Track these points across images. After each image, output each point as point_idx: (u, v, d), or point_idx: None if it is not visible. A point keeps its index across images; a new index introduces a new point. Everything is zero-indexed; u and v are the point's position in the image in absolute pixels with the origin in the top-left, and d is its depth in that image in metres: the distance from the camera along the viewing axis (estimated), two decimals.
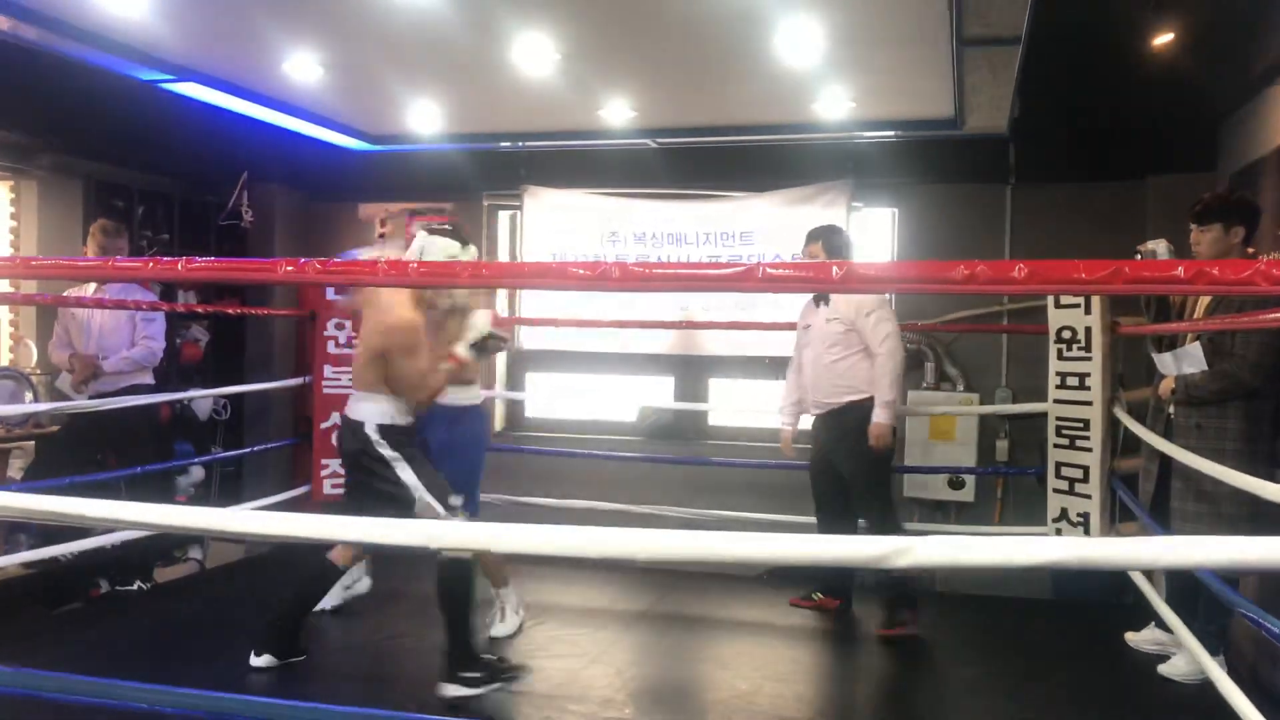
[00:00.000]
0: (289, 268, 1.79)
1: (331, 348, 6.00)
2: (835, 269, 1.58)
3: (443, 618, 3.88)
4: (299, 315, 6.38)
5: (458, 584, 3.87)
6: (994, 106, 4.97)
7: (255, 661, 3.98)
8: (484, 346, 3.91)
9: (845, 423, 4.74)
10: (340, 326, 6.02)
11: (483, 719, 3.70)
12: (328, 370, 5.99)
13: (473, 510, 4.32)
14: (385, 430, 3.83)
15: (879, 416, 4.63)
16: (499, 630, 4.64)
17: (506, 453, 6.54)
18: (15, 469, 5.31)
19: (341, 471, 5.92)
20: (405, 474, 3.81)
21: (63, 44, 4.44)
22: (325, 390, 5.98)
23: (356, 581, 4.98)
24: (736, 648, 4.66)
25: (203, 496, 6.41)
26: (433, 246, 3.73)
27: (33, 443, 5.34)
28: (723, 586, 5.55)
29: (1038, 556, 1.71)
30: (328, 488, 5.99)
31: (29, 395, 5.28)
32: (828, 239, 4.86)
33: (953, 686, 4.17)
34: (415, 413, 3.97)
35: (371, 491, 3.88)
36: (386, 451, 3.81)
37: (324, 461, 5.98)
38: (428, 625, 4.75)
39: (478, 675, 3.79)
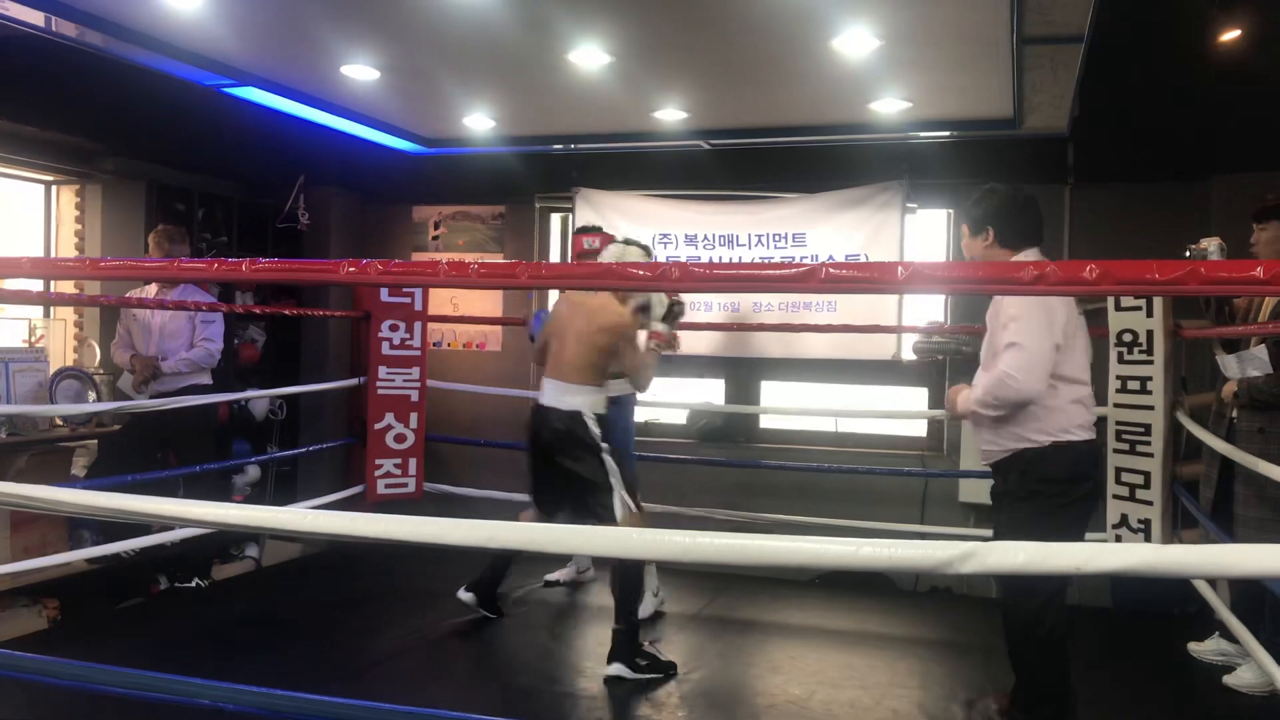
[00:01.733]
0: (351, 268, 1.80)
1: (386, 349, 6.04)
2: (900, 269, 1.55)
3: (616, 604, 4.14)
4: (354, 316, 6.45)
5: (630, 575, 4.16)
6: (1054, 106, 4.88)
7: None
8: (672, 314, 4.51)
9: (1008, 484, 3.44)
10: (394, 328, 6.06)
11: None
12: (382, 371, 6.03)
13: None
14: (599, 420, 4.26)
15: (961, 399, 3.44)
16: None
17: None
18: (78, 467, 5.42)
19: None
20: (610, 463, 4.19)
21: (127, 50, 4.53)
22: (379, 391, 6.02)
23: (585, 570, 5.60)
24: (789, 652, 4.62)
25: (258, 495, 6.50)
26: (625, 252, 4.48)
27: (95, 441, 5.45)
28: (774, 591, 5.52)
29: (1107, 563, 1.67)
30: (382, 488, 6.03)
31: (92, 395, 5.38)
32: (968, 211, 3.51)
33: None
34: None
35: (575, 480, 4.22)
36: (599, 441, 4.21)
37: (378, 461, 6.03)
38: (482, 623, 4.80)
39: (643, 663, 4.10)
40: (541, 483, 4.42)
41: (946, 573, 1.69)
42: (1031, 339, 3.18)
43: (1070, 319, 3.28)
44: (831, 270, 1.61)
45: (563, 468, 4.27)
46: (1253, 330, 3.97)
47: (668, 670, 4.16)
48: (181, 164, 6.27)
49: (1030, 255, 3.39)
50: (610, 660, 4.09)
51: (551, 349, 4.42)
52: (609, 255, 4.55)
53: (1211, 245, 4.13)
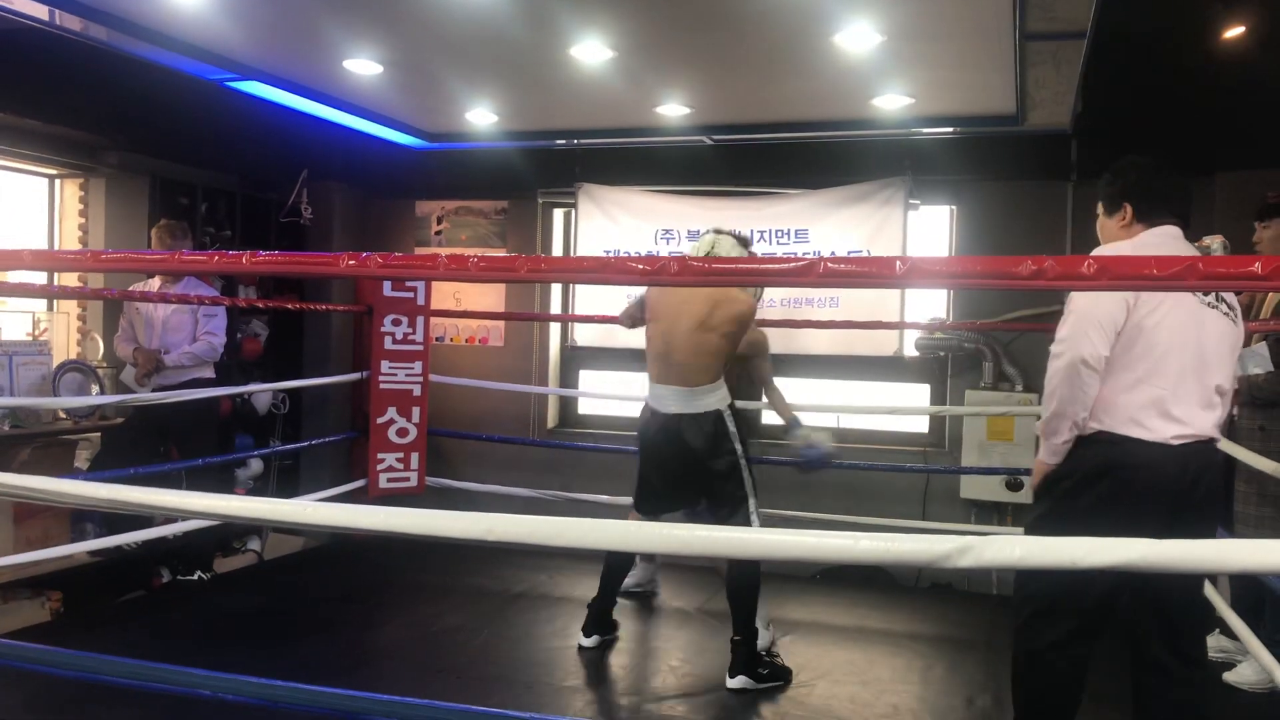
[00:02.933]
0: (351, 261, 1.81)
1: (388, 343, 6.05)
2: (899, 264, 1.56)
3: (733, 615, 4.00)
4: (356, 311, 6.45)
5: (746, 580, 3.98)
6: (1056, 102, 4.88)
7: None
8: None
9: None
10: (397, 323, 6.07)
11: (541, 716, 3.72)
12: (385, 365, 6.03)
13: None
14: (732, 412, 4.00)
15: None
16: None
17: (559, 449, 6.58)
18: (81, 459, 5.43)
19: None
20: (746, 474, 3.99)
21: (131, 44, 4.53)
22: (382, 385, 6.02)
23: (650, 581, 5.24)
24: (789, 647, 4.62)
25: (261, 489, 6.51)
26: (723, 243, 4.14)
27: (98, 434, 5.46)
28: (775, 586, 5.50)
29: (1104, 558, 1.67)
30: (384, 482, 6.04)
31: (95, 388, 5.39)
32: (1102, 190, 3.11)
33: (1008, 690, 4.10)
34: None
35: (708, 494, 4.02)
36: (738, 446, 3.97)
37: (380, 456, 6.04)
38: (478, 618, 4.81)
39: (764, 672, 3.99)
40: (657, 496, 4.13)
41: (944, 567, 1.69)
42: (1080, 302, 2.77)
43: (1162, 305, 2.75)
44: (830, 265, 1.62)
45: (693, 481, 4.01)
46: (1254, 327, 3.96)
47: (787, 677, 4.04)
48: (185, 158, 6.28)
49: (1160, 233, 2.93)
50: (733, 674, 3.94)
51: (656, 347, 4.04)
52: (699, 247, 4.19)
53: (1215, 243, 4.12)
